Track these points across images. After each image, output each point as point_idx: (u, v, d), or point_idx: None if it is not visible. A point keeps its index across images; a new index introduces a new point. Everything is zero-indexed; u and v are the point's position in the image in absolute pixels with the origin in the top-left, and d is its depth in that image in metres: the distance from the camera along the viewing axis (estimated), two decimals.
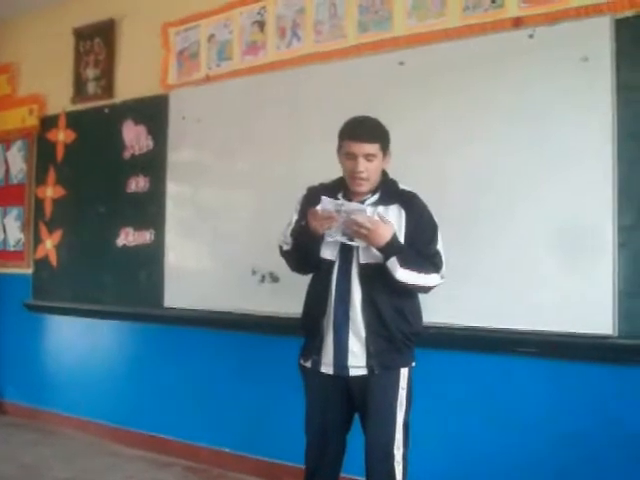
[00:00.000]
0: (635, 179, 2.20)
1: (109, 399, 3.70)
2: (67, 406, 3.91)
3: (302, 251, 2.03)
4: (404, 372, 1.98)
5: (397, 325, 1.95)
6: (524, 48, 2.39)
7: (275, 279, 2.94)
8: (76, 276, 3.85)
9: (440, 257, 1.99)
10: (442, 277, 1.99)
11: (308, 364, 2.04)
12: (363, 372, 1.94)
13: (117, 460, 3.38)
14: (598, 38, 2.24)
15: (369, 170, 1.95)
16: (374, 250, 1.91)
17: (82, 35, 3.91)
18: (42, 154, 4.13)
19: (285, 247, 2.08)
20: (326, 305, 1.98)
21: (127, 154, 3.63)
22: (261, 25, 3.13)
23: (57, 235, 3.98)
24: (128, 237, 3.60)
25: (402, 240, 1.93)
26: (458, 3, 2.55)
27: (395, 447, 1.93)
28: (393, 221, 1.93)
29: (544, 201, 2.33)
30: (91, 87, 3.88)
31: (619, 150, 2.21)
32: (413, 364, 2.02)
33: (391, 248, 1.88)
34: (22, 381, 4.22)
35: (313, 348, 2.02)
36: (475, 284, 2.42)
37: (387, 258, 1.89)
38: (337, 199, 1.95)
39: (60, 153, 4.00)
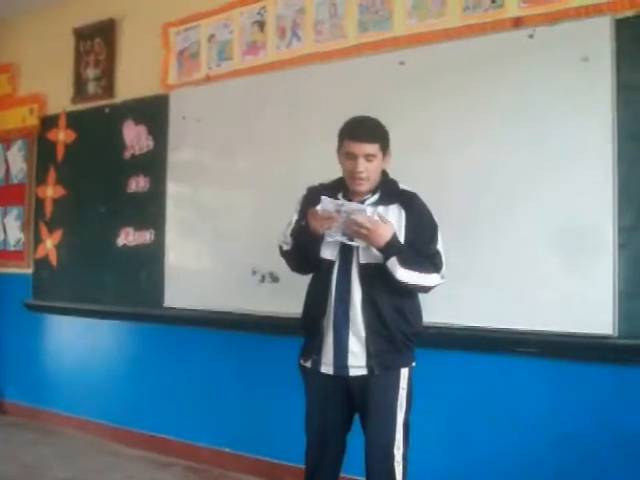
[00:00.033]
0: (635, 179, 2.20)
1: (109, 399, 3.70)
2: (67, 406, 3.91)
3: (302, 251, 2.03)
4: (404, 372, 1.98)
5: (397, 325, 1.95)
6: (524, 48, 2.39)
7: (275, 279, 2.94)
8: (76, 276, 3.85)
9: (440, 257, 1.99)
10: (442, 277, 1.99)
11: (308, 364, 2.04)
12: (363, 372, 1.94)
13: (117, 460, 3.38)
14: (598, 38, 2.24)
15: (369, 170, 1.95)
16: (374, 250, 1.91)
17: (82, 35, 3.91)
18: (42, 154, 4.13)
19: (285, 247, 2.08)
20: (326, 305, 1.98)
21: (127, 154, 3.63)
22: (261, 25, 3.13)
23: (57, 235, 3.98)
24: (128, 237, 3.60)
25: (402, 240, 1.93)
26: (458, 3, 2.55)
27: (395, 447, 1.93)
28: (393, 221, 1.93)
29: (544, 201, 2.33)
30: (91, 87, 3.88)
31: (619, 150, 2.21)
32: (413, 364, 2.02)
33: (391, 248, 1.88)
34: (22, 381, 4.22)
35: (313, 348, 2.02)
36: (475, 284, 2.42)
37: (387, 258, 1.89)
38: (337, 199, 1.95)
39: (60, 153, 4.00)
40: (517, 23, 2.42)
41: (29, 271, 4.15)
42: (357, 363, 1.94)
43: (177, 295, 3.34)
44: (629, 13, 2.22)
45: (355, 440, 2.05)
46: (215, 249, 3.25)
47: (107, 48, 3.80)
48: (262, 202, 3.06)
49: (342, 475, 2.13)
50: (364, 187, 1.98)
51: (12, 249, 4.28)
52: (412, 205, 2.00)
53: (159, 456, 3.40)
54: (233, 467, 3.16)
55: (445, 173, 2.52)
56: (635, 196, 2.20)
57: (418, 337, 2.02)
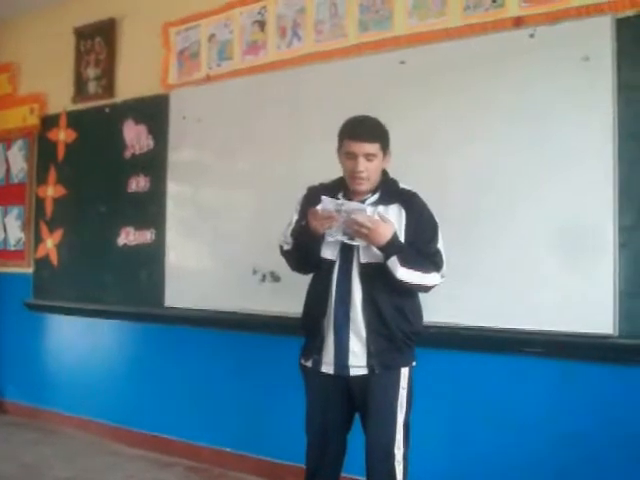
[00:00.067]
0: (636, 179, 2.20)
1: (110, 398, 3.70)
2: (68, 405, 3.91)
3: (302, 251, 2.03)
4: (405, 372, 1.98)
5: (398, 324, 1.95)
6: (525, 48, 2.39)
7: (276, 279, 2.94)
8: (77, 275, 3.85)
9: (440, 256, 1.99)
10: (442, 276, 1.99)
11: (309, 364, 2.04)
12: (364, 372, 1.94)
13: (118, 459, 3.38)
14: (599, 38, 2.24)
15: (369, 170, 1.94)
16: (374, 249, 1.91)
17: (83, 34, 3.91)
18: (43, 153, 4.13)
19: (285, 247, 2.08)
20: (326, 305, 1.98)
21: (128, 154, 3.63)
22: (261, 25, 3.13)
23: (58, 234, 3.98)
24: (129, 236, 3.60)
25: (402, 239, 1.93)
26: (459, 3, 2.55)
27: (396, 447, 1.93)
28: (393, 220, 1.93)
29: (545, 201, 2.33)
30: (92, 86, 3.88)
31: (620, 150, 2.21)
32: (414, 364, 2.02)
33: (391, 247, 1.88)
34: (23, 380, 4.23)
35: (314, 348, 2.02)
36: (476, 284, 2.42)
37: (388, 257, 1.89)
38: (337, 199, 1.95)
39: (61, 152, 4.00)
40: (518, 23, 2.42)
41: (29, 271, 4.15)
42: (358, 363, 1.94)
43: (178, 295, 3.35)
44: (630, 12, 2.22)
45: (355, 440, 2.05)
46: (216, 249, 3.25)
47: (107, 48, 3.80)
48: (262, 202, 3.06)
49: (343, 475, 2.12)
50: (364, 187, 1.98)
51: (12, 249, 4.28)
52: (412, 204, 2.00)
53: (160, 456, 3.40)
54: (234, 467, 3.16)
55: (446, 173, 2.52)
56: (635, 196, 2.19)
57: (418, 336, 2.02)
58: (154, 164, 3.49)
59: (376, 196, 2.01)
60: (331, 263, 1.98)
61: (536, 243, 2.33)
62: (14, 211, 4.29)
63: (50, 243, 4.01)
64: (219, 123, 3.25)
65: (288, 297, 2.51)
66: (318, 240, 1.96)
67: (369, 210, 1.92)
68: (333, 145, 2.04)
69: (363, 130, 1.95)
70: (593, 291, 2.22)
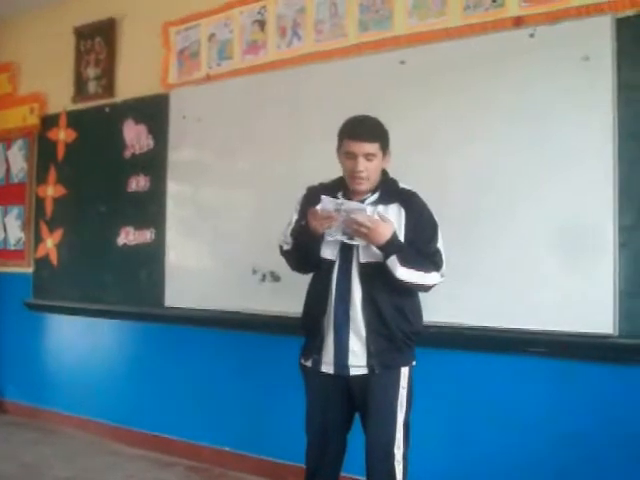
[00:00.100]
0: (636, 179, 2.20)
1: (110, 398, 3.70)
2: (68, 405, 3.91)
3: (302, 251, 2.03)
4: (404, 371, 1.98)
5: (397, 324, 1.95)
6: (525, 47, 2.39)
7: (276, 278, 2.94)
8: (77, 275, 3.85)
9: (440, 256, 1.99)
10: (442, 276, 1.99)
11: (309, 363, 2.04)
12: (363, 371, 1.94)
13: (118, 459, 3.38)
14: (599, 37, 2.24)
15: (369, 169, 1.94)
16: (374, 249, 1.91)
17: (83, 34, 3.91)
18: (43, 153, 4.13)
19: (285, 247, 2.08)
20: (326, 304, 1.98)
21: (128, 153, 3.63)
22: (261, 24, 3.13)
23: (58, 234, 3.98)
24: (129, 236, 3.60)
25: (402, 239, 1.93)
26: (459, 2, 2.55)
27: (395, 446, 1.93)
28: (393, 220, 1.93)
29: (545, 201, 2.33)
30: (92, 86, 3.88)
31: (620, 150, 2.21)
32: (413, 363, 2.02)
33: (391, 247, 1.88)
34: (23, 380, 4.23)
35: (314, 347, 2.02)
36: (476, 283, 2.42)
37: (387, 257, 1.89)
38: (337, 198, 1.95)
39: (61, 152, 4.00)
40: (518, 22, 2.42)
41: (29, 270, 4.15)
42: (357, 362, 1.94)
43: (178, 294, 3.35)
44: (630, 12, 2.22)
45: (355, 439, 2.05)
46: (215, 248, 3.25)
47: (107, 47, 3.80)
48: (262, 201, 3.06)
49: (343, 474, 2.13)
50: (364, 186, 1.98)
51: (12, 248, 4.28)
52: (412, 204, 2.00)
53: (160, 455, 3.40)
54: (235, 467, 3.16)
55: (446, 173, 2.52)
56: (635, 195, 2.20)
57: (418, 336, 2.02)
58: (154, 164, 3.49)
59: (376, 196, 2.01)
60: (331, 263, 1.98)
61: (536, 243, 2.33)
62: (14, 211, 4.29)
63: (50, 243, 4.01)
64: (219, 123, 3.25)
65: (288, 297, 2.51)
66: (318, 240, 1.96)
67: (369, 210, 1.92)
68: (333, 145, 2.04)
69: (363, 130, 1.95)
70: (593, 291, 2.22)
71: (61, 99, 3.99)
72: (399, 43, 2.70)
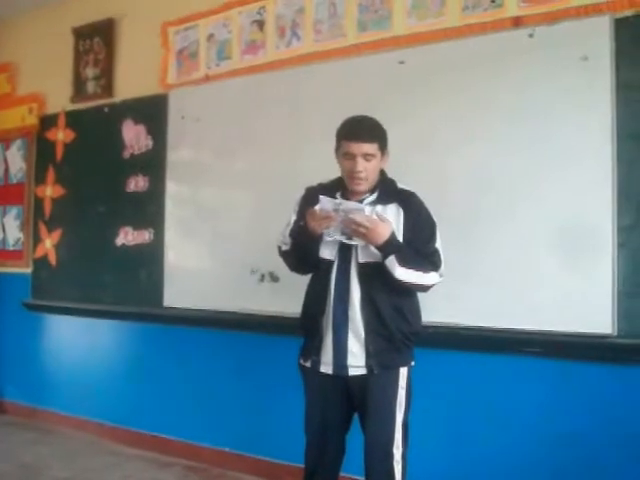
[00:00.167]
0: (635, 179, 2.20)
1: (108, 398, 3.70)
2: (66, 405, 3.91)
3: (301, 251, 2.03)
4: (403, 371, 1.98)
5: (396, 324, 1.95)
6: (524, 48, 2.39)
7: (275, 278, 2.94)
8: (75, 275, 3.85)
9: (439, 255, 1.99)
10: (441, 275, 1.99)
11: (308, 364, 2.04)
12: (362, 372, 1.94)
13: (117, 459, 3.38)
14: (598, 37, 2.24)
15: (367, 170, 1.94)
16: (373, 249, 1.91)
17: (82, 34, 3.90)
18: (41, 153, 4.12)
19: (284, 247, 2.08)
20: (325, 305, 1.98)
21: (126, 153, 3.63)
22: (260, 24, 3.13)
23: (56, 234, 3.97)
24: (127, 236, 3.60)
25: (400, 239, 1.93)
26: (458, 3, 2.55)
27: (394, 447, 1.93)
28: (391, 220, 1.93)
29: (544, 201, 2.33)
30: (91, 86, 3.88)
31: (619, 150, 2.21)
32: (412, 363, 2.02)
33: (390, 246, 1.88)
34: (21, 380, 4.22)
35: (312, 348, 2.02)
36: (475, 284, 2.42)
37: (386, 257, 1.89)
38: (335, 198, 1.94)
39: (60, 152, 3.99)
40: (517, 23, 2.42)
41: (28, 271, 4.15)
42: (356, 363, 1.94)
43: (176, 295, 3.34)
44: (628, 12, 2.22)
45: (355, 440, 2.05)
46: (214, 249, 3.25)
47: (106, 47, 3.79)
48: (261, 202, 3.06)
49: (342, 475, 2.13)
50: (363, 187, 1.98)
51: (11, 249, 4.28)
52: (410, 204, 2.00)
53: (159, 456, 3.39)
54: (233, 467, 3.16)
55: (445, 173, 2.52)
56: (634, 196, 2.20)
57: (417, 336, 2.02)
58: (153, 164, 3.49)
59: (374, 196, 2.00)
60: (330, 263, 1.98)
61: (536, 243, 2.33)
62: (13, 211, 4.28)
63: (49, 243, 4.00)
64: (218, 123, 3.25)
65: (287, 297, 2.51)
66: (316, 240, 1.96)
67: (367, 210, 1.91)
68: (332, 145, 2.03)
69: (361, 130, 1.95)
70: (592, 291, 2.22)
71: (60, 99, 3.99)
72: (398, 43, 2.69)
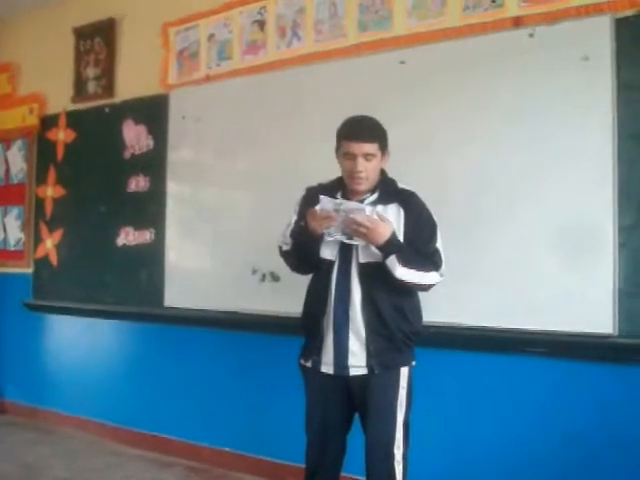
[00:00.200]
0: (635, 179, 2.20)
1: (109, 398, 3.70)
2: (67, 405, 3.91)
3: (302, 251, 2.03)
4: (404, 371, 1.98)
5: (397, 324, 1.95)
6: (524, 47, 2.39)
7: (275, 278, 2.94)
8: (76, 276, 3.85)
9: (439, 255, 1.99)
10: (441, 275, 1.99)
11: (308, 364, 2.04)
12: (363, 372, 1.94)
13: (118, 459, 3.38)
14: (598, 37, 2.24)
15: (368, 170, 1.95)
16: (373, 249, 1.91)
17: (82, 34, 3.91)
18: (42, 153, 4.13)
19: (285, 247, 2.08)
20: (326, 305, 1.98)
21: (127, 154, 3.63)
22: (261, 24, 3.13)
23: (57, 234, 3.98)
24: (128, 236, 3.60)
25: (401, 239, 1.93)
26: (458, 3, 2.55)
27: (395, 446, 1.93)
28: (392, 220, 1.93)
29: (545, 201, 2.33)
30: (91, 86, 3.88)
31: (619, 150, 2.21)
32: (413, 363, 2.02)
33: (390, 246, 1.88)
34: (22, 380, 4.22)
35: (313, 348, 2.02)
36: (475, 283, 2.42)
37: (386, 256, 1.89)
38: (336, 198, 1.95)
39: (60, 152, 4.00)
40: (517, 22, 2.42)
41: (29, 271, 4.15)
42: (357, 363, 1.94)
43: (177, 295, 3.35)
44: (629, 12, 2.22)
45: (355, 440, 2.05)
46: (215, 249, 3.25)
47: (107, 48, 3.80)
48: (262, 201, 3.06)
49: (342, 475, 2.12)
50: (363, 187, 1.98)
51: (12, 249, 4.28)
52: (411, 204, 2.00)
53: (160, 456, 3.40)
54: (234, 467, 3.16)
55: (446, 173, 2.52)
56: (635, 195, 2.20)
57: (418, 336, 2.02)
58: (154, 164, 3.49)
59: (375, 196, 2.01)
60: (330, 263, 1.98)
61: (536, 243, 2.34)
62: (14, 211, 4.29)
63: (50, 243, 4.01)
64: (219, 123, 3.25)
65: (288, 297, 2.51)
66: (317, 240, 1.96)
67: (368, 209, 1.91)
68: (333, 145, 2.03)
69: (361, 130, 1.95)
70: (593, 291, 2.22)
71: (61, 99, 3.99)
72: (399, 43, 2.70)
